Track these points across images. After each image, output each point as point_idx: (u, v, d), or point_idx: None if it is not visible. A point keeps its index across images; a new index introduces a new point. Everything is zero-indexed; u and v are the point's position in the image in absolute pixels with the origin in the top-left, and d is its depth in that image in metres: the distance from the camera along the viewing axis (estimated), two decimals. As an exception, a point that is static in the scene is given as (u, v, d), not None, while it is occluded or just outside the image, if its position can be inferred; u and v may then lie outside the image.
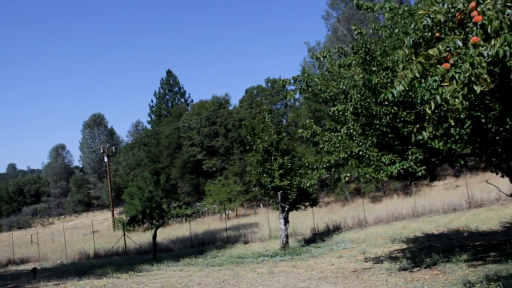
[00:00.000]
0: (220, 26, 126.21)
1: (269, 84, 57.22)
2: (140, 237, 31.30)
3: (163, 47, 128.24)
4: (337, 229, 23.40)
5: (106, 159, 53.03)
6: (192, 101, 70.89)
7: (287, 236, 19.78)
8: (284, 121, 49.17)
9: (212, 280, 12.70)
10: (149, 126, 72.56)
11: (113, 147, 66.98)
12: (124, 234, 27.78)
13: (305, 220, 26.66)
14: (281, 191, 19.59)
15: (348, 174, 10.30)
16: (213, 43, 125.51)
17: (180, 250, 25.40)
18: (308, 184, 13.17)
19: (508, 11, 4.71)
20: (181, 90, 72.13)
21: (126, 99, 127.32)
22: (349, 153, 9.86)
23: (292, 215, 22.96)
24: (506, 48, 4.36)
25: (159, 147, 60.61)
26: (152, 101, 71.69)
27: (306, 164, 12.39)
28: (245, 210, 46.58)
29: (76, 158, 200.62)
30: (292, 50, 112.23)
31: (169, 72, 72.05)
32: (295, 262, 15.26)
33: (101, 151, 63.73)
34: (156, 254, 22.67)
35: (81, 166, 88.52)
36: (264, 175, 19.54)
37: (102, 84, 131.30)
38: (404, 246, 15.41)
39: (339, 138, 10.27)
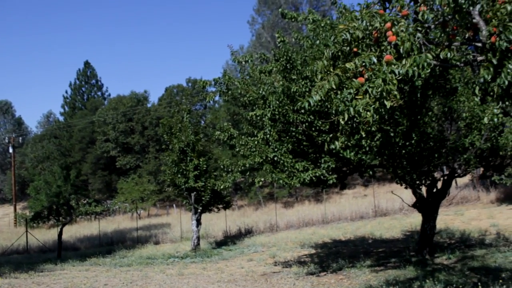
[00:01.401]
0: (144, 22, 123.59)
1: (190, 84, 56.73)
2: (44, 235, 29.67)
3: (82, 36, 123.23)
4: (249, 232, 23.63)
5: (11, 150, 49.84)
6: (109, 95, 68.51)
7: (198, 238, 19.67)
8: (203, 122, 48.95)
9: (120, 281, 12.35)
10: (61, 118, 69.04)
11: (20, 138, 63.06)
12: (27, 231, 26.23)
13: (217, 222, 26.67)
14: (195, 193, 19.46)
15: (262, 179, 10.44)
16: (136, 39, 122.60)
17: (87, 249, 24.43)
18: (222, 187, 13.21)
19: (419, 35, 5.01)
20: (98, 83, 69.45)
21: (38, 87, 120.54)
22: (264, 158, 9.99)
23: (205, 217, 22.89)
24: (415, 68, 4.63)
25: (71, 140, 57.94)
26: (66, 92, 68.30)
27: (222, 166, 12.42)
28: (157, 210, 45.75)
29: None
30: (215, 52, 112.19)
31: (87, 63, 69.10)
32: (205, 265, 15.21)
33: (6, 141, 59.82)
34: (61, 253, 21.65)
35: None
36: (179, 176, 19.31)
37: (11, 69, 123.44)
38: (313, 251, 15.86)
39: (256, 142, 10.38)
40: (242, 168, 11.18)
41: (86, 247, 25.76)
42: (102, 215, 23.72)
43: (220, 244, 20.99)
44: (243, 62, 11.63)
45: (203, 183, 19.33)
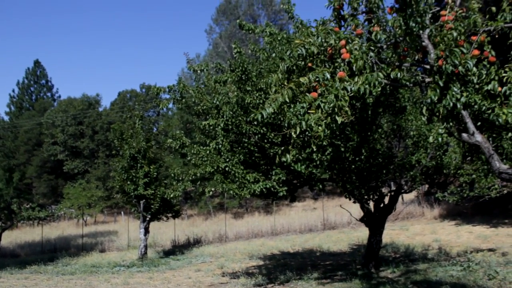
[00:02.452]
0: (99, 25, 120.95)
1: (143, 90, 55.96)
2: (-19, 240, 28.32)
3: (34, 36, 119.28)
4: (197, 242, 23.41)
5: (-50, 149, 47.48)
6: (59, 96, 66.42)
7: (146, 247, 19.31)
8: (155, 129, 48.27)
9: (60, 290, 11.93)
10: (6, 118, 66.47)
11: (-39, 137, 60.19)
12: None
13: (166, 231, 26.28)
14: (144, 200, 19.13)
15: (213, 189, 10.39)
16: (90, 41, 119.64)
17: (28, 256, 23.46)
18: (172, 195, 13.06)
19: (371, 54, 5.15)
20: (48, 84, 67.21)
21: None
22: (215, 168, 9.96)
23: (154, 225, 22.51)
24: (367, 86, 4.75)
25: (16, 141, 55.70)
26: (13, 91, 66.03)
27: (172, 175, 12.28)
28: (105, 217, 44.64)
29: None
30: (171, 59, 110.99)
31: (37, 63, 66.80)
32: (152, 274, 14.92)
33: None
34: (-2, 259, 20.73)
35: None
36: (128, 182, 18.94)
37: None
38: (261, 262, 15.87)
39: (207, 152, 10.33)
40: (193, 177, 11.09)
41: (26, 254, 24.74)
42: (46, 221, 22.89)
43: (168, 253, 20.68)
44: (199, 71, 11.59)
45: (152, 191, 19.02)
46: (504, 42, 5.03)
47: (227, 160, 9.96)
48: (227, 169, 9.86)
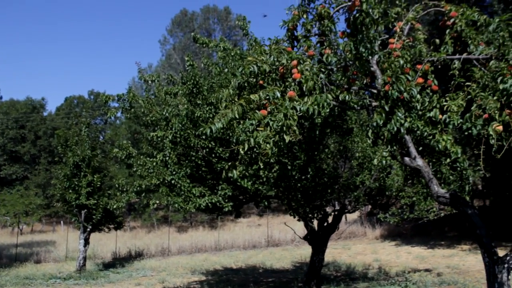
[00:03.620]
0: (47, 26, 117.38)
1: (92, 97, 54.73)
2: None
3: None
4: (139, 255, 22.88)
5: None
6: (1, 97, 63.88)
7: (85, 258, 18.68)
8: (101, 137, 47.11)
9: (-11, 302, 11.32)
10: None
11: None
12: None
13: (107, 243, 25.52)
14: (85, 210, 18.55)
15: (158, 201, 10.21)
16: (38, 43, 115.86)
17: (-47, 266, 22.15)
18: (115, 206, 12.75)
19: (322, 75, 5.25)
20: (-11, 84, 64.62)
21: None
22: (161, 180, 9.81)
23: (94, 236, 21.84)
24: (316, 107, 4.83)
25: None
26: (-49, 90, 62.82)
27: (117, 185, 11.99)
28: (43, 226, 42.91)
29: None
30: (122, 67, 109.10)
31: (-22, 63, 64.16)
32: (89, 287, 14.43)
33: None
34: None
35: None
36: (70, 191, 18.32)
37: None
38: (203, 278, 15.68)
39: (154, 164, 10.18)
40: (138, 188, 10.86)
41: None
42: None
43: (108, 266, 20.07)
44: (150, 81, 11.44)
45: (95, 201, 18.47)
46: (446, 73, 5.27)
47: (174, 173, 9.84)
48: (173, 182, 9.73)
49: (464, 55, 5.20)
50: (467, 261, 16.33)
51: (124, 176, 27.12)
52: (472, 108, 4.33)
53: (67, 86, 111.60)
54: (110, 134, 35.15)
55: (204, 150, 9.73)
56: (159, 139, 10.29)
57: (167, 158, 10.03)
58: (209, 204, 9.60)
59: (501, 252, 5.41)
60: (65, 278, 16.47)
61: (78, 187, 18.34)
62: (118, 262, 20.91)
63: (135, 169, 10.68)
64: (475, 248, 18.06)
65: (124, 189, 11.65)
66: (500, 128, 3.98)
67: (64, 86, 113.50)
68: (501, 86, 4.02)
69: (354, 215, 28.67)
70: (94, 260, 21.82)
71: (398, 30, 5.71)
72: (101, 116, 52.36)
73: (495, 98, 4.14)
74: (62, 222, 41.62)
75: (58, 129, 22.24)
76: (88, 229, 18.83)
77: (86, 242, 18.84)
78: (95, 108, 51.20)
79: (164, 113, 10.17)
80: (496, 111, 4.04)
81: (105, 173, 20.96)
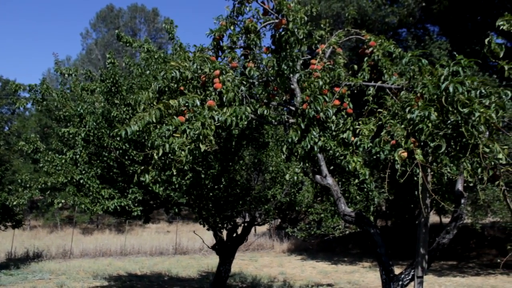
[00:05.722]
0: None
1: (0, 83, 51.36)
2: None
3: None
4: (38, 256, 21.60)
5: None
6: None
7: (-25, 256, 17.38)
8: (7, 128, 44.23)
9: None
10: None
11: None
12: None
13: (2, 242, 23.84)
14: (-18, 205, 17.30)
15: (63, 201, 9.74)
16: None
17: None
18: (15, 203, 12.01)
19: (243, 88, 5.31)
20: None
21: None
22: (69, 178, 9.37)
23: (-12, 233, 20.41)
24: (234, 118, 4.87)
25: None
26: None
27: (19, 180, 11.30)
28: None
29: None
30: (38, 56, 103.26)
31: None
32: (-26, 290, 13.43)
33: None
34: None
35: None
36: (-34, 183, 17.06)
37: None
38: (105, 283, 15.13)
39: (63, 161, 9.71)
40: (43, 185, 10.30)
41: None
42: None
43: (0, 267, 18.77)
44: (66, 75, 10.95)
45: (-7, 196, 17.30)
46: (361, 98, 5.51)
47: (83, 172, 9.45)
48: (81, 181, 9.33)
49: (379, 83, 5.48)
50: (367, 277, 17.08)
51: (28, 171, 25.57)
52: (382, 133, 4.55)
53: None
54: (17, 126, 33.06)
55: (118, 152, 9.44)
56: (71, 135, 9.84)
57: (78, 156, 9.62)
58: (118, 207, 9.30)
59: (397, 270, 5.72)
60: None
61: (-25, 180, 17.10)
62: (12, 263, 19.59)
63: (41, 165, 10.10)
64: (375, 265, 18.96)
65: (28, 185, 11.00)
66: (405, 154, 4.21)
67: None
68: (408, 116, 4.26)
69: (263, 228, 29.10)
70: (-16, 259, 20.35)
71: (320, 52, 5.91)
72: (8, 106, 49.24)
73: (402, 126, 4.37)
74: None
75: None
76: (-18, 225, 17.57)
77: (-21, 239, 17.56)
78: (2, 96, 48.07)
79: (79, 109, 9.75)
80: (403, 139, 4.27)
81: (7, 166, 19.68)
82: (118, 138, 9.05)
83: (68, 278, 15.83)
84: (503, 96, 4.18)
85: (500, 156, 3.99)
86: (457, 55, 4.32)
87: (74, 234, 25.83)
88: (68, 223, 36.15)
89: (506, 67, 4.40)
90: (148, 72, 9.63)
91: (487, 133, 4.16)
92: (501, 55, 4.45)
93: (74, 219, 33.68)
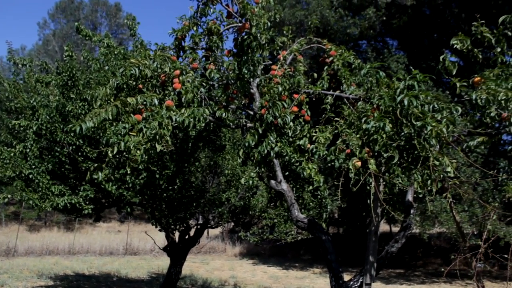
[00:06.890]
0: None
1: None
2: None
3: None
4: (-22, 253, 20.76)
5: None
6: None
7: None
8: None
9: None
10: None
11: None
12: None
13: None
14: None
15: (10, 196, 9.40)
16: None
17: None
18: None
19: (202, 89, 5.30)
20: None
21: None
22: (17, 173, 9.05)
23: None
24: (192, 119, 4.84)
25: None
26: None
27: (-38, 173, 10.82)
28: None
29: None
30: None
31: None
32: None
33: None
34: None
35: None
36: None
37: None
38: (51, 283, 14.68)
39: (12, 154, 9.38)
40: (-12, 179, 9.93)
41: None
42: None
43: None
44: (20, 65, 10.61)
45: None
46: (319, 106, 5.59)
47: (33, 167, 9.14)
48: (31, 176, 9.03)
49: (337, 92, 5.57)
50: (317, 283, 17.29)
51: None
52: (337, 142, 4.62)
53: None
54: (-37, 115, 31.69)
55: (71, 147, 9.20)
56: (21, 128, 9.52)
57: (28, 150, 9.30)
58: (68, 205, 9.05)
59: (347, 277, 5.81)
60: None
61: None
62: (-49, 258, 18.76)
63: (-12, 157, 9.73)
64: (326, 272, 19.21)
65: (-29, 178, 10.56)
66: (359, 164, 4.30)
67: None
68: (364, 126, 4.34)
69: (216, 231, 29.01)
70: None
71: (281, 58, 5.96)
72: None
73: (358, 136, 4.46)
74: None
75: None
76: None
77: None
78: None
79: (31, 101, 9.45)
80: (358, 148, 4.36)
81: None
82: (72, 134, 8.85)
83: (11, 277, 15.24)
84: (454, 112, 4.33)
85: (449, 169, 4.13)
86: (413, 70, 4.45)
87: (19, 231, 24.95)
88: (13, 219, 34.84)
89: (458, 84, 4.58)
90: (106, 67, 9.43)
91: (438, 146, 4.30)
92: (454, 72, 4.62)
93: (20, 215, 32.52)
